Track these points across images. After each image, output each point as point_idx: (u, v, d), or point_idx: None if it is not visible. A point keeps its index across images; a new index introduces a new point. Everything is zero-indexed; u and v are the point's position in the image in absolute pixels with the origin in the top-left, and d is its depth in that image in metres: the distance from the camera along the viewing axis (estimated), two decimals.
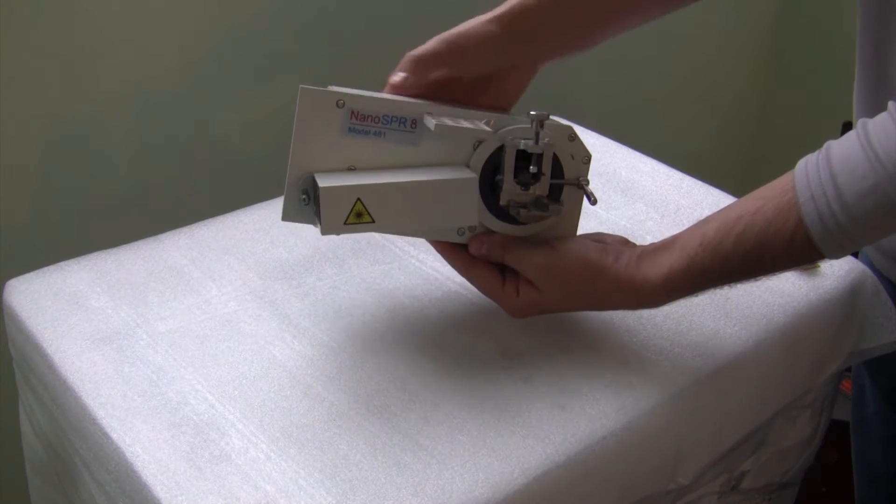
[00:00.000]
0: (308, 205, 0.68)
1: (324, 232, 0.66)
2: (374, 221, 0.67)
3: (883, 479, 0.96)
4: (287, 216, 0.69)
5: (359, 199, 0.66)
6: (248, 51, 1.13)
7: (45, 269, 0.80)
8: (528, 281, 0.70)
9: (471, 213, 0.70)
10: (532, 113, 0.69)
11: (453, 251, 0.73)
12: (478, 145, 0.70)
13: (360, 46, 1.20)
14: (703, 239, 0.66)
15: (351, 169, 0.69)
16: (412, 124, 0.69)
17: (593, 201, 0.72)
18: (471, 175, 0.69)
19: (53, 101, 1.01)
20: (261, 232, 0.85)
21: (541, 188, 0.70)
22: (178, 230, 0.86)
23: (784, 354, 0.77)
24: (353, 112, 0.67)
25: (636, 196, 0.93)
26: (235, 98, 1.14)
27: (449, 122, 0.68)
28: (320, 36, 1.17)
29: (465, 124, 0.69)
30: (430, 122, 0.68)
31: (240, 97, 1.14)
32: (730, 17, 1.74)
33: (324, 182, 0.66)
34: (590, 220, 0.88)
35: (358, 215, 0.66)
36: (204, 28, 1.08)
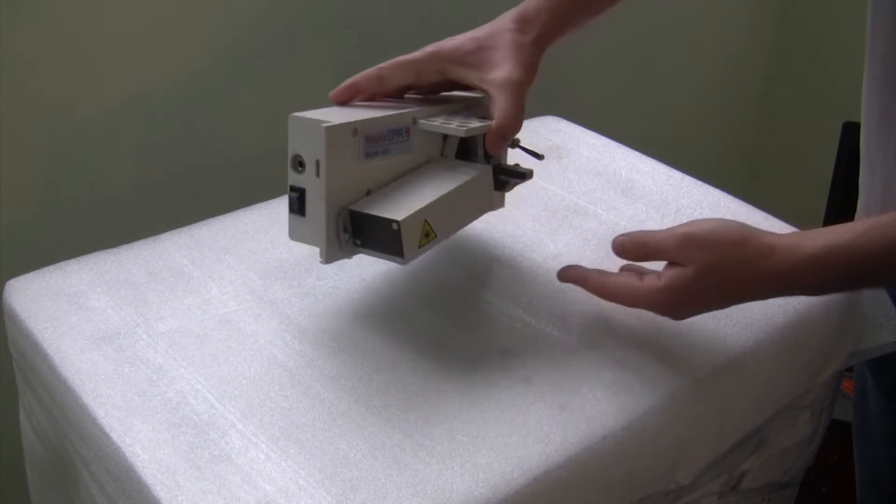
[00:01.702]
0: (349, 241, 0.69)
1: (405, 262, 0.68)
2: (436, 236, 0.70)
3: (885, 479, 0.96)
4: (330, 258, 0.69)
5: (426, 220, 0.68)
6: (248, 51, 1.13)
7: (45, 269, 0.80)
8: (672, 263, 0.68)
9: (491, 200, 0.75)
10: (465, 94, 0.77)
11: (585, 279, 0.73)
12: (445, 137, 0.75)
13: (357, 49, 1.20)
14: (864, 226, 0.64)
15: (368, 192, 0.70)
16: (406, 133, 0.72)
17: (540, 157, 0.80)
18: (486, 167, 0.74)
19: (54, 101, 1.01)
20: (261, 232, 0.85)
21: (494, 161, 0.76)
22: (178, 230, 0.85)
23: (784, 354, 0.77)
24: (366, 137, 0.69)
25: (636, 196, 0.93)
26: (235, 98, 1.14)
27: (437, 122, 0.72)
28: (319, 38, 1.17)
29: (451, 124, 0.73)
30: (455, 128, 0.71)
31: (240, 97, 1.14)
32: (730, 17, 1.74)
33: (390, 213, 0.66)
34: (590, 220, 0.88)
35: (426, 235, 0.69)
36: (204, 29, 1.08)
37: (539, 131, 1.04)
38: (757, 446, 0.81)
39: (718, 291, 0.67)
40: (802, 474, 0.92)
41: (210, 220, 0.87)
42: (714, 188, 0.94)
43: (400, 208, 0.67)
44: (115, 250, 0.83)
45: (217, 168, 1.16)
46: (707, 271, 0.66)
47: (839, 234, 0.64)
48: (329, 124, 0.65)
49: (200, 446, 0.63)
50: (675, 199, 0.92)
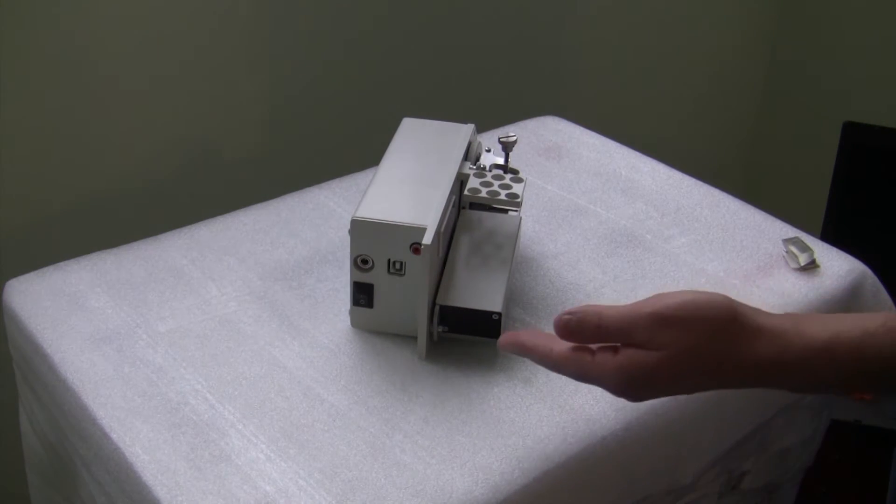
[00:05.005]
0: (447, 332, 0.71)
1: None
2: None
3: None
4: (429, 355, 0.71)
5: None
6: (249, 51, 1.13)
7: (45, 269, 0.80)
8: (632, 345, 0.53)
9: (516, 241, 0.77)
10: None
11: (527, 350, 0.57)
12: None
13: (357, 49, 1.20)
14: (875, 320, 0.52)
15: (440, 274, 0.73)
16: (457, 207, 0.77)
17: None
18: (517, 216, 0.79)
19: (54, 101, 1.01)
20: (261, 233, 0.85)
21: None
22: (178, 230, 0.86)
23: None
24: (443, 232, 0.71)
25: (636, 196, 0.92)
26: (236, 98, 1.14)
27: (484, 193, 0.75)
28: (321, 37, 1.17)
29: (500, 195, 0.75)
30: (509, 201, 0.74)
31: (240, 97, 1.14)
32: (730, 17, 1.74)
33: (487, 305, 0.69)
34: (589, 220, 0.88)
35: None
36: (206, 29, 1.08)
37: (539, 131, 1.04)
38: (757, 446, 0.81)
39: (690, 378, 0.54)
40: (802, 474, 0.92)
41: (210, 220, 0.87)
42: (714, 188, 0.94)
43: (486, 296, 0.70)
44: (115, 250, 0.83)
45: (217, 168, 1.16)
46: (681, 357, 0.52)
47: (846, 325, 0.52)
48: (428, 244, 0.66)
49: (200, 446, 0.63)
50: (675, 199, 0.92)
